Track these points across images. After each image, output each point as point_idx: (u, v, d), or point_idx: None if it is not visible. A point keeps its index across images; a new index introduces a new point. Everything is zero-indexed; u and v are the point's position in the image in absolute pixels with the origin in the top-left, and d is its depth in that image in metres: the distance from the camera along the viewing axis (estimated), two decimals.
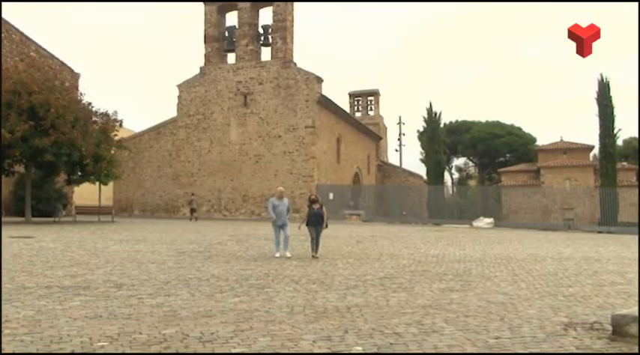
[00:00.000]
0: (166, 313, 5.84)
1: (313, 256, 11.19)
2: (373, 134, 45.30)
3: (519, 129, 54.11)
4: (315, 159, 31.92)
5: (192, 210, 30.77)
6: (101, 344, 4.56)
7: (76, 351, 4.36)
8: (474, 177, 59.87)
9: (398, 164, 44.51)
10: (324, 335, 4.99)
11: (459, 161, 60.42)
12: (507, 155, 52.96)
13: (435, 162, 37.30)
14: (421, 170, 45.83)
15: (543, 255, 13.17)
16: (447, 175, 53.10)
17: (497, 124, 54.07)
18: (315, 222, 11.41)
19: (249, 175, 32.85)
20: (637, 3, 7.36)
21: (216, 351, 4.45)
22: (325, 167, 33.73)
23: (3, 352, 4.09)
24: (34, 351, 4.32)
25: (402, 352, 4.55)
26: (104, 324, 5.26)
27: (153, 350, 4.44)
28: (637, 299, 6.91)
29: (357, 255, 12.25)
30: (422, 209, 35.55)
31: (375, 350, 4.55)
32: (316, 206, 11.49)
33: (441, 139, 38.71)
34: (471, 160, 59.20)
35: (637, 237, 19.25)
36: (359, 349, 4.58)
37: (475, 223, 29.22)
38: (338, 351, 4.51)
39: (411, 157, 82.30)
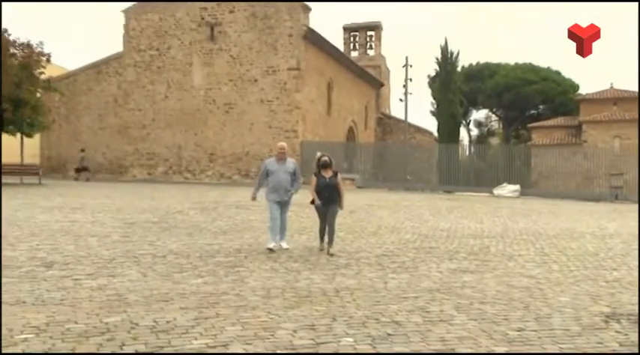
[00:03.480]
0: (110, 297, 5.86)
1: (327, 252, 8.97)
2: (373, 79, 45.02)
3: (558, 73, 53.88)
4: (299, 109, 31.69)
5: (81, 169, 31.20)
6: (24, 336, 4.56)
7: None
8: (497, 133, 60.19)
9: (403, 117, 44.18)
10: (306, 324, 5.04)
11: (479, 114, 60.57)
12: (541, 107, 53.07)
13: (449, 115, 37.31)
14: (431, 125, 45.96)
15: (582, 231, 13.36)
16: (463, 131, 53.35)
17: (530, 68, 53.81)
18: (328, 198, 9.17)
19: (217, 129, 32.60)
20: (637, 3, 8.64)
21: (172, 343, 4.47)
22: (312, 120, 33.58)
23: (3, 352, 4.21)
24: None
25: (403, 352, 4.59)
26: (29, 312, 5.25)
27: (92, 342, 4.44)
28: None
29: (349, 227, 12.34)
30: (431, 173, 35.75)
31: (369, 342, 4.60)
32: (328, 173, 9.25)
33: (457, 86, 38.62)
34: (494, 113, 59.31)
35: None
36: (349, 340, 4.62)
37: (497, 191, 29.50)
38: (323, 342, 4.55)
39: (419, 109, 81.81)
